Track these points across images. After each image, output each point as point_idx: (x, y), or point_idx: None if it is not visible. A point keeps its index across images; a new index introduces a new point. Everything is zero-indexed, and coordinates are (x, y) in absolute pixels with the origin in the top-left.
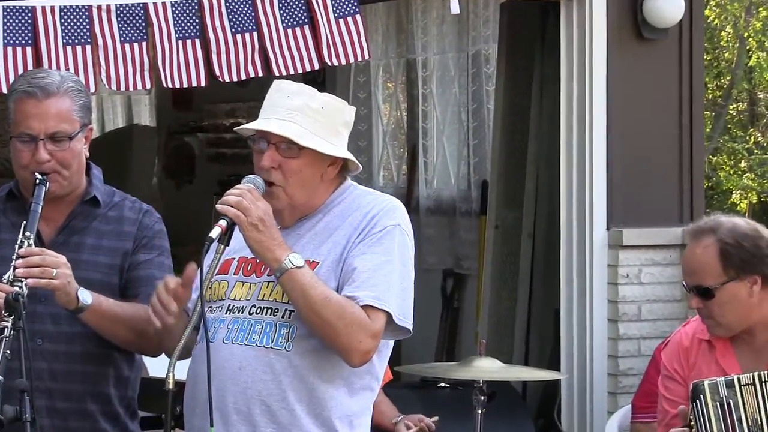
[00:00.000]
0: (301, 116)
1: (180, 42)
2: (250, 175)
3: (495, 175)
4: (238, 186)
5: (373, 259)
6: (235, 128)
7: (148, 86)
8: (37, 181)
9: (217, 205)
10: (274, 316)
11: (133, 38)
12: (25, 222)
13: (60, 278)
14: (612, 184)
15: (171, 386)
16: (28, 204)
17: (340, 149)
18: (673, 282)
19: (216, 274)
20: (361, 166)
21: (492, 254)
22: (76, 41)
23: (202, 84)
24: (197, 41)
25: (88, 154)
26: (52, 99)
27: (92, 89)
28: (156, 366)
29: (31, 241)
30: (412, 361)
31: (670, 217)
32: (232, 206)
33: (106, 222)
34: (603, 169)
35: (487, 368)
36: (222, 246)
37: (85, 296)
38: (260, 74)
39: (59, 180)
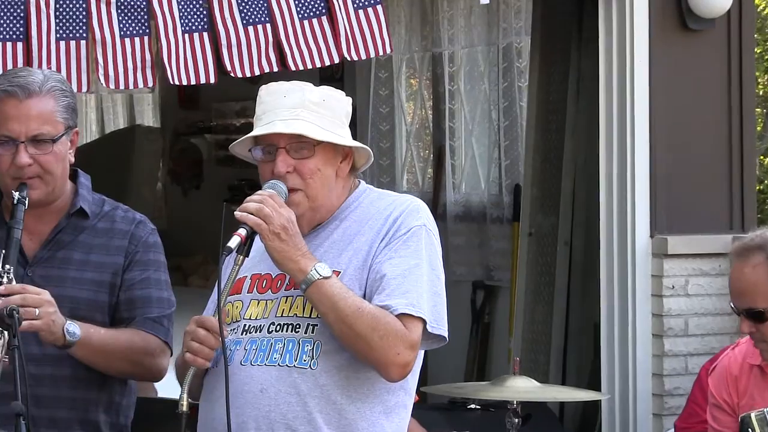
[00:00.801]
0: (305, 112)
1: (186, 36)
2: (272, 180)
3: (528, 178)
4: (259, 192)
5: (401, 263)
6: (230, 146)
7: (150, 84)
8: (16, 200)
9: (236, 212)
10: (296, 332)
11: (135, 32)
12: (4, 252)
13: (43, 318)
14: (656, 188)
15: (185, 408)
16: (7, 220)
17: (350, 140)
18: (722, 294)
19: (229, 295)
20: (372, 156)
21: (526, 264)
22: (71, 36)
23: (212, 81)
24: (205, 34)
25: (73, 160)
26: (33, 99)
27: (85, 88)
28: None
29: (11, 276)
30: (440, 381)
31: (719, 224)
32: (252, 214)
33: (95, 234)
34: (646, 172)
35: (521, 388)
36: (241, 257)
37: (73, 330)
38: (275, 69)
39: (41, 186)
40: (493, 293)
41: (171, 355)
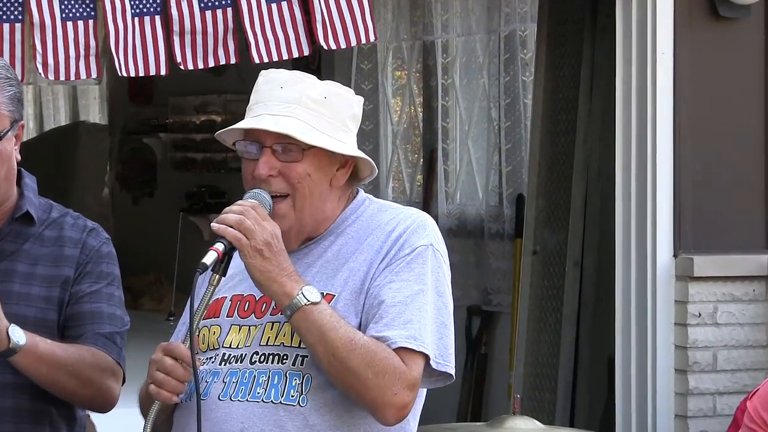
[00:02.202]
0: (301, 109)
1: (137, 19)
2: (254, 189)
3: (533, 187)
4: (239, 202)
5: (403, 288)
6: (216, 133)
7: (95, 75)
8: None
9: (212, 225)
10: (282, 363)
11: (78, 15)
12: None
13: None
14: (680, 200)
15: None
16: None
17: (350, 147)
18: (756, 323)
19: (203, 318)
20: (377, 169)
21: (529, 287)
22: (5, 18)
23: (163, 72)
24: (157, 18)
25: (19, 158)
26: None
27: (23, 77)
28: (107, 425)
29: None
30: (429, 421)
31: (753, 242)
32: (231, 226)
33: (42, 243)
34: (669, 181)
35: (522, 430)
36: (217, 276)
37: (18, 335)
38: (232, 60)
39: None
40: (491, 320)
41: (123, 381)
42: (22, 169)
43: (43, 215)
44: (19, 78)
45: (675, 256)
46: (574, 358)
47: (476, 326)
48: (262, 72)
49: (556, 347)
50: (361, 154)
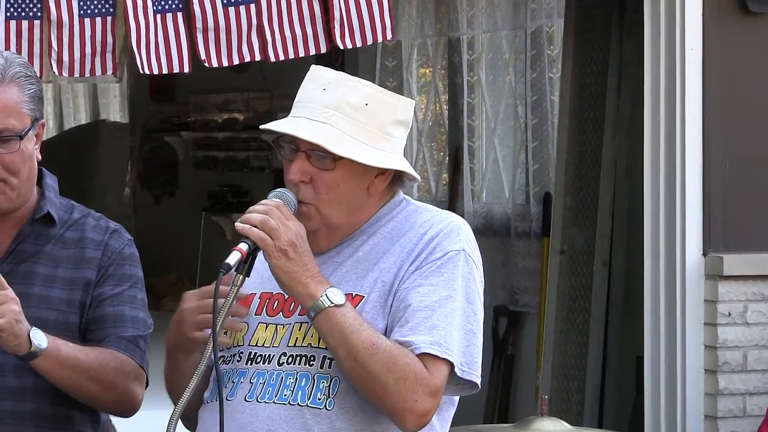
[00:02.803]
0: (339, 116)
1: (159, 16)
2: (279, 189)
3: (560, 185)
4: (263, 201)
5: (431, 293)
6: (261, 126)
7: (109, 71)
8: None
9: (237, 224)
10: (310, 365)
11: (97, 11)
12: None
13: (6, 316)
14: (710, 198)
15: None
16: None
17: (387, 157)
18: None
19: (232, 315)
20: (418, 177)
21: (557, 287)
22: (24, 15)
23: (185, 69)
24: (179, 15)
25: (40, 157)
26: None
27: (42, 75)
28: (130, 429)
29: None
30: (457, 423)
31: None
32: (255, 226)
33: (63, 245)
34: (698, 179)
35: None
36: (241, 276)
37: (40, 339)
38: (257, 57)
39: (6, 191)
40: (518, 320)
41: (146, 385)
42: (43, 169)
43: (64, 216)
44: (40, 76)
45: (704, 254)
46: (603, 359)
47: (503, 327)
48: (312, 67)
49: (584, 347)
50: (396, 165)
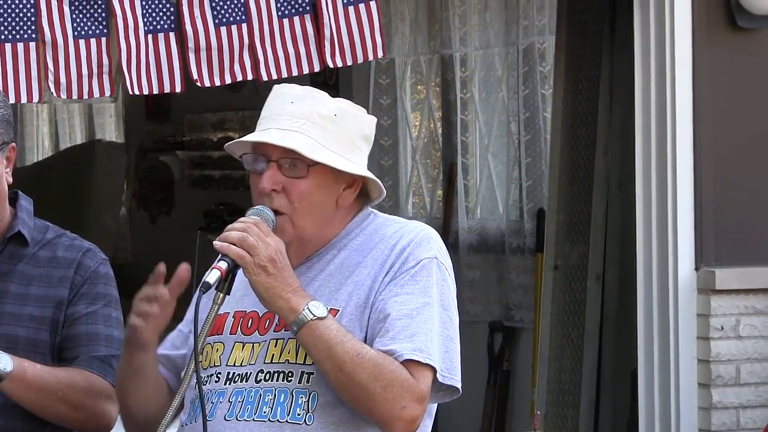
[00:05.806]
0: (309, 125)
1: (150, 36)
2: (257, 206)
3: (554, 201)
4: (242, 219)
5: (408, 301)
6: (225, 144)
7: (108, 93)
8: None
9: (215, 243)
10: (288, 381)
11: (90, 33)
12: None
13: None
14: (701, 212)
15: None
16: None
17: (358, 167)
18: None
19: (207, 335)
20: (385, 191)
21: (551, 302)
22: (19, 37)
23: (177, 89)
24: (171, 35)
25: (11, 180)
26: None
27: (36, 98)
28: None
29: None
30: None
31: None
32: (234, 244)
33: (36, 264)
34: (690, 194)
35: None
36: (221, 295)
37: (5, 362)
38: (249, 77)
39: None
40: (513, 336)
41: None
42: (19, 192)
43: (37, 236)
44: (37, 97)
45: (696, 269)
46: (597, 374)
47: (498, 342)
48: (275, 87)
49: (578, 362)
50: (367, 174)
